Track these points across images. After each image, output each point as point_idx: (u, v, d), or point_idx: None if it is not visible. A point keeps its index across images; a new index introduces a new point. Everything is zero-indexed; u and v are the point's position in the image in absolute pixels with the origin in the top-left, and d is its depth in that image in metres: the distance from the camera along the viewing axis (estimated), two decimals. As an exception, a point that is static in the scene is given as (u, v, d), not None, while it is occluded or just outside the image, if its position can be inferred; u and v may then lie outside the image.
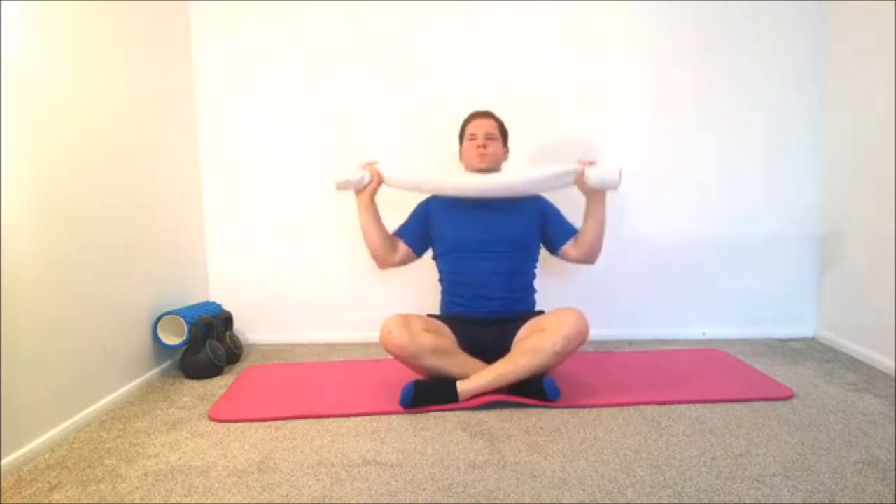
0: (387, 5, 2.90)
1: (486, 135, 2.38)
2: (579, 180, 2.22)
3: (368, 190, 2.32)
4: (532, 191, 2.36)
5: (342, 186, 2.31)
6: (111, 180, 2.24)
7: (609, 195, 2.30)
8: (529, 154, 2.83)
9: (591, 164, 2.22)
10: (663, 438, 1.85)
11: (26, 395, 1.79)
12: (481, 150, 2.36)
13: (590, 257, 2.38)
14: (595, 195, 2.27)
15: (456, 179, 2.35)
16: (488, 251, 2.33)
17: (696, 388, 2.27)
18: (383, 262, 2.44)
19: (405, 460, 1.74)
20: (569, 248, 2.39)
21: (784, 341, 2.93)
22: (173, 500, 1.55)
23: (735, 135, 2.92)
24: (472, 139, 2.40)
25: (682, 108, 2.92)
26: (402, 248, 2.43)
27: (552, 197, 2.46)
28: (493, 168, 2.40)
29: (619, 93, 2.92)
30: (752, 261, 2.97)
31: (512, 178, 2.31)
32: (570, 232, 2.40)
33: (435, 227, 2.43)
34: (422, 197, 2.49)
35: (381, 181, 2.34)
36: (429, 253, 2.50)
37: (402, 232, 2.45)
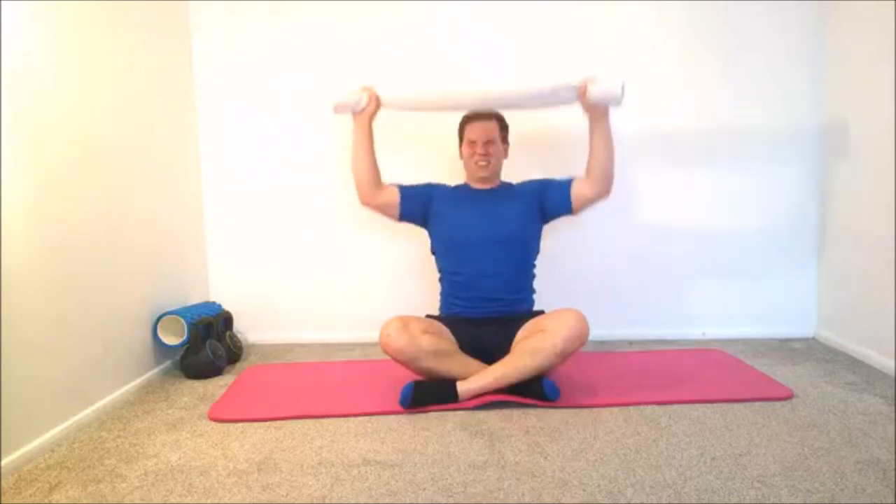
0: (388, 2, 2.90)
1: (486, 141, 2.36)
2: (581, 95, 2.19)
3: (367, 113, 2.32)
4: (531, 104, 2.31)
5: (339, 109, 2.30)
6: (111, 180, 2.24)
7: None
8: (532, 153, 2.82)
9: (593, 80, 2.18)
10: (663, 438, 1.85)
11: (26, 395, 1.79)
12: (481, 158, 2.36)
13: (604, 184, 2.31)
14: (597, 112, 2.23)
15: (452, 91, 2.34)
16: (487, 250, 2.32)
17: (696, 388, 2.27)
18: (365, 194, 2.41)
19: (405, 460, 1.74)
20: (578, 186, 2.34)
21: (784, 341, 2.93)
22: (173, 500, 1.55)
23: (735, 134, 2.92)
24: (471, 146, 2.39)
25: (682, 108, 2.92)
26: (391, 192, 2.41)
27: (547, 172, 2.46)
28: (495, 173, 2.41)
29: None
30: (752, 261, 2.97)
31: (511, 89, 2.28)
32: (569, 180, 2.37)
33: (433, 214, 2.42)
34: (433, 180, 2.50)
35: (379, 104, 2.33)
36: (429, 250, 2.50)
37: (403, 187, 2.44)
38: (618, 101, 2.17)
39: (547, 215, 2.42)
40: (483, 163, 2.36)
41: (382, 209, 2.44)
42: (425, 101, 2.39)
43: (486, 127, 2.37)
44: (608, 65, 2.89)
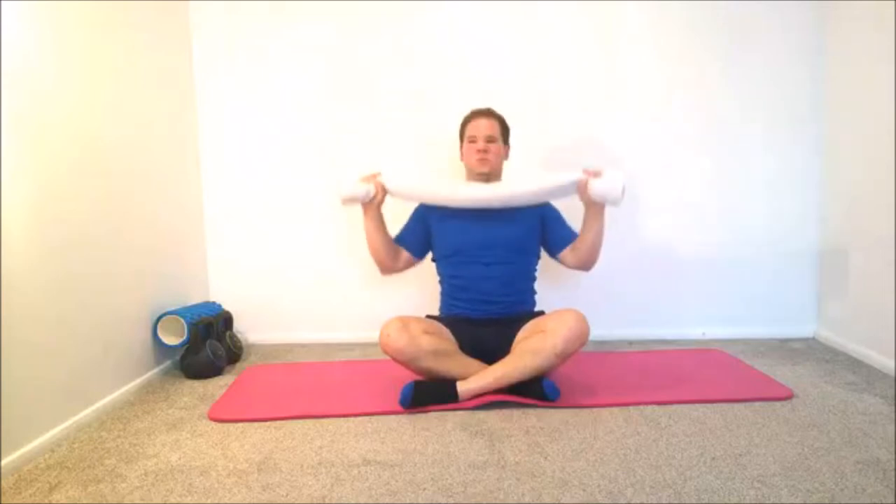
0: (388, 2, 2.90)
1: (487, 138, 2.36)
2: (581, 190, 2.20)
3: (375, 203, 2.31)
4: (534, 201, 2.33)
5: (349, 201, 2.30)
6: (111, 180, 2.24)
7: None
8: (532, 153, 2.82)
9: (596, 174, 2.18)
10: (663, 438, 1.85)
11: (26, 396, 1.79)
12: (482, 154, 2.35)
13: (586, 266, 2.37)
14: (595, 206, 2.24)
15: (458, 190, 2.33)
16: (488, 255, 2.32)
17: (696, 388, 2.27)
18: (386, 269, 2.44)
19: (405, 460, 1.74)
20: (566, 254, 2.37)
21: (784, 341, 2.93)
22: (173, 500, 1.55)
23: (736, 135, 2.92)
24: (471, 142, 2.39)
25: (683, 110, 2.92)
26: (404, 255, 2.43)
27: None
28: (495, 172, 2.39)
29: (623, 93, 2.92)
30: (752, 261, 2.97)
31: (515, 189, 2.28)
32: (569, 238, 2.38)
33: (433, 229, 2.42)
34: None
35: (385, 193, 2.32)
36: (429, 255, 2.50)
37: (403, 238, 2.44)
38: (616, 202, 2.17)
39: (540, 240, 2.44)
40: (483, 158, 2.35)
41: (405, 269, 2.48)
42: (430, 194, 2.37)
43: (487, 124, 2.37)
44: (608, 64, 2.89)
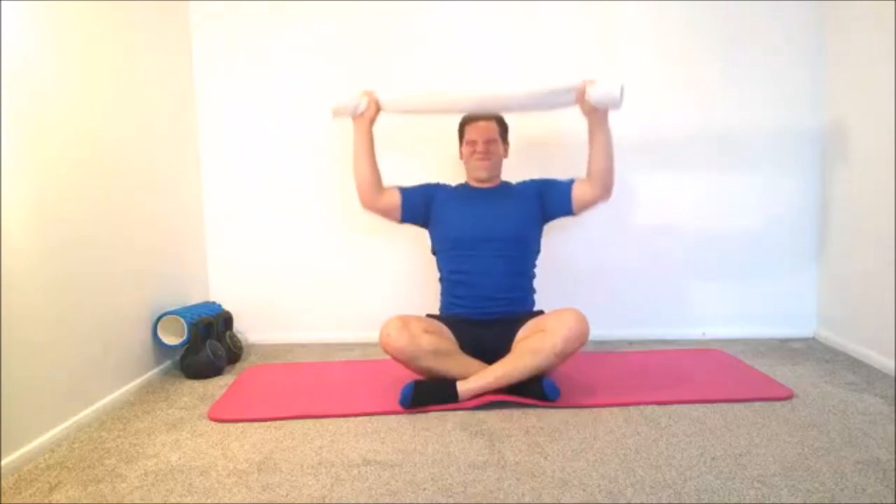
0: (388, 2, 2.90)
1: (486, 141, 2.37)
2: (580, 98, 2.19)
3: (366, 117, 2.32)
4: (530, 107, 2.31)
5: (339, 113, 2.30)
6: (111, 180, 2.24)
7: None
8: (532, 153, 2.82)
9: (592, 82, 2.18)
10: (663, 438, 1.85)
11: (26, 396, 1.79)
12: (481, 157, 2.36)
13: (604, 186, 2.31)
14: (596, 115, 2.22)
15: (450, 95, 2.34)
16: (487, 248, 2.32)
17: (696, 388, 2.27)
18: (367, 198, 2.42)
19: (405, 460, 1.74)
20: (580, 187, 2.34)
21: (784, 341, 2.93)
22: (173, 500, 1.55)
23: (735, 134, 2.92)
24: (471, 145, 2.39)
25: (682, 108, 2.92)
26: (393, 196, 2.42)
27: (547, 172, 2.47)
28: (495, 173, 2.41)
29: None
30: (752, 261, 2.97)
31: (510, 92, 2.27)
32: (570, 182, 2.37)
33: (434, 214, 2.43)
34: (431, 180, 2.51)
35: (378, 108, 2.33)
36: (429, 250, 2.50)
37: (404, 189, 2.44)
38: (616, 104, 2.16)
39: (547, 215, 2.43)
40: (483, 161, 2.36)
41: (384, 213, 2.45)
42: (424, 104, 2.40)
43: (485, 127, 2.38)
44: (608, 64, 2.89)
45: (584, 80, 2.20)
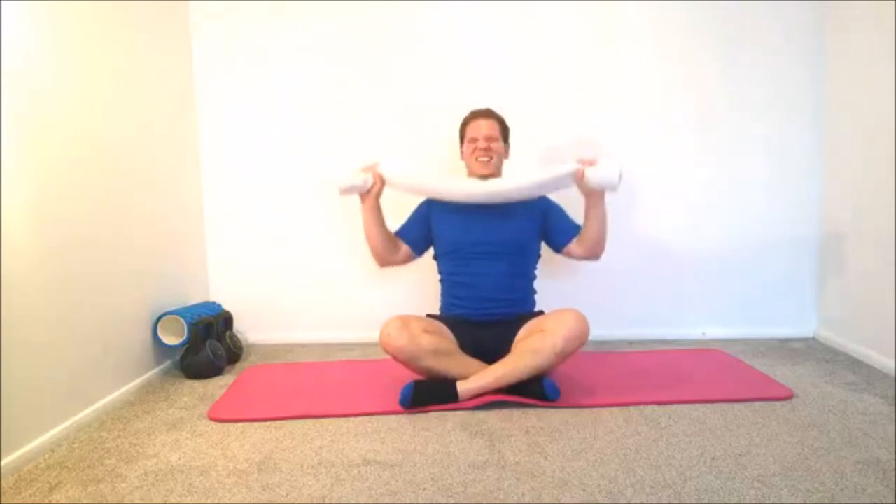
0: (388, 2, 2.90)
1: (487, 138, 2.36)
2: (578, 180, 2.21)
3: (373, 193, 2.32)
4: (532, 195, 2.34)
5: (347, 191, 2.30)
6: (111, 180, 2.24)
7: (611, 197, 2.29)
8: (532, 152, 2.82)
9: (592, 163, 2.19)
10: (663, 438, 1.85)
11: (26, 396, 1.79)
12: (482, 154, 2.36)
13: (594, 255, 2.36)
14: (594, 195, 2.25)
15: (456, 185, 2.34)
16: (488, 252, 2.32)
17: (696, 388, 2.27)
18: (384, 261, 2.44)
19: (405, 460, 1.74)
20: (572, 246, 2.37)
21: (784, 341, 2.93)
22: (173, 500, 1.55)
23: (736, 135, 2.92)
24: (472, 142, 2.39)
25: (682, 109, 2.92)
26: (404, 248, 2.44)
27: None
28: (496, 172, 2.40)
29: (622, 93, 2.91)
30: (752, 261, 2.97)
31: (512, 184, 2.28)
32: (572, 230, 2.38)
33: (434, 227, 2.43)
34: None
35: (384, 183, 2.33)
36: (429, 252, 2.50)
37: (403, 232, 2.45)
38: (614, 188, 2.17)
39: (541, 236, 2.44)
40: (485, 159, 2.36)
41: (403, 263, 2.48)
42: (428, 187, 2.38)
43: (487, 125, 2.38)
44: (608, 65, 2.90)
45: (584, 161, 2.20)
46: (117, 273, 2.27)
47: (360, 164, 2.34)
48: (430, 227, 2.44)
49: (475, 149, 2.37)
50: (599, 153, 2.27)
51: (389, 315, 2.17)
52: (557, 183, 2.25)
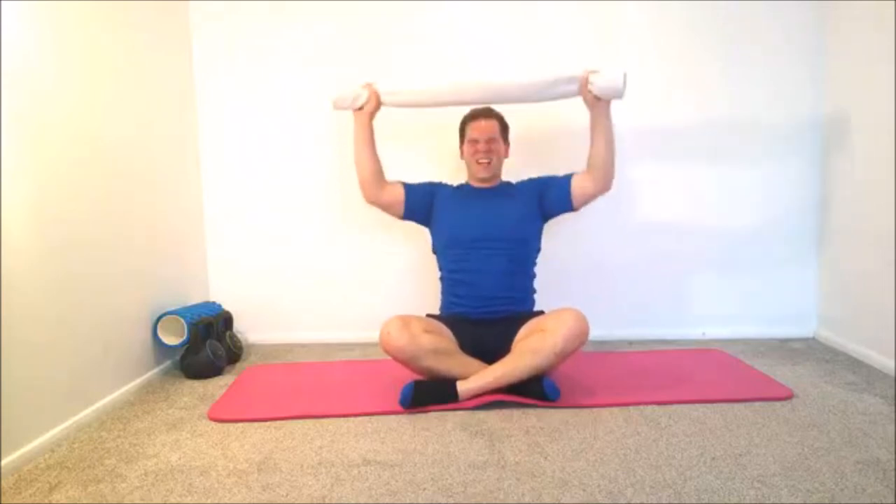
0: (388, 2, 2.90)
1: (488, 139, 2.37)
2: (583, 88, 2.19)
3: (367, 110, 2.32)
4: (533, 97, 2.30)
5: (339, 104, 2.30)
6: (111, 180, 2.24)
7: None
8: (532, 152, 2.82)
9: (595, 72, 2.17)
10: (663, 438, 1.85)
11: (26, 396, 1.79)
12: (483, 156, 2.36)
13: (605, 178, 2.30)
14: (598, 105, 2.22)
15: (453, 86, 2.33)
16: (487, 247, 2.32)
17: (696, 388, 2.27)
18: (369, 191, 2.42)
19: (405, 460, 1.74)
20: (579, 181, 2.33)
21: (784, 341, 2.93)
22: (173, 500, 1.55)
23: (735, 134, 2.92)
24: (473, 143, 2.39)
25: (682, 107, 2.92)
26: (396, 189, 2.42)
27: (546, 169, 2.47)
28: (496, 173, 2.41)
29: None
30: (751, 261, 2.97)
31: (512, 82, 2.26)
32: (568, 177, 2.37)
33: (436, 212, 2.43)
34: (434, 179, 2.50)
35: (379, 102, 2.33)
36: (429, 250, 2.50)
37: (407, 185, 2.45)
38: (620, 94, 2.15)
39: (547, 213, 2.42)
40: (485, 160, 2.36)
41: (387, 206, 2.45)
42: (425, 97, 2.38)
43: (487, 126, 2.38)
44: (608, 64, 2.89)
45: (587, 69, 2.19)
46: (117, 273, 2.27)
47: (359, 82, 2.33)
48: (432, 205, 2.43)
49: (476, 151, 2.37)
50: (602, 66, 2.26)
51: (389, 315, 2.17)
52: (560, 86, 2.21)
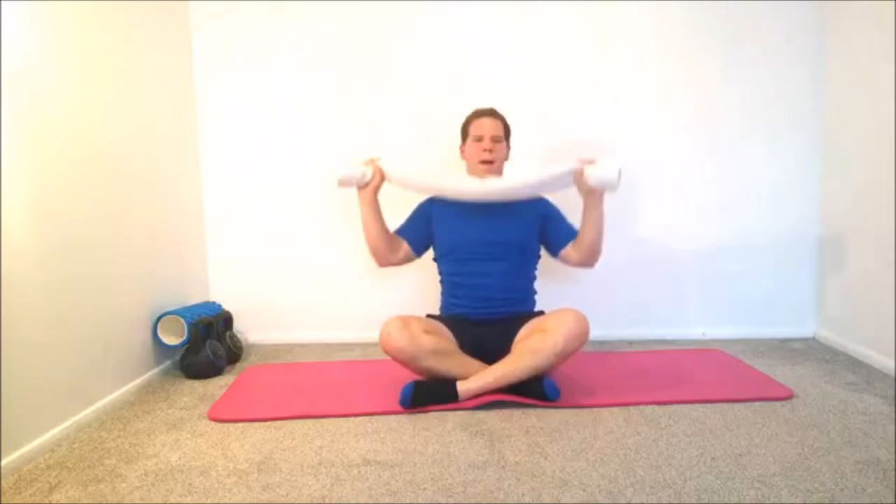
0: (388, 2, 2.90)
1: (492, 138, 2.36)
2: (578, 179, 2.20)
3: (371, 187, 2.30)
4: (532, 193, 2.34)
5: (345, 183, 2.29)
6: (111, 180, 2.24)
7: (610, 195, 2.29)
8: (532, 153, 2.82)
9: (591, 162, 2.18)
10: (663, 438, 1.85)
11: (26, 396, 1.79)
12: (486, 155, 2.35)
13: (589, 260, 2.35)
14: (593, 195, 2.23)
15: (456, 183, 2.33)
16: (488, 253, 2.32)
17: (696, 388, 2.27)
18: (383, 260, 2.42)
19: (405, 460, 1.74)
20: (568, 251, 2.36)
21: (784, 341, 2.93)
22: (173, 500, 1.55)
23: (736, 135, 2.92)
24: (477, 141, 2.38)
25: (683, 109, 2.92)
26: (403, 247, 2.43)
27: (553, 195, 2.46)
28: (498, 173, 2.40)
29: (622, 93, 2.92)
30: (751, 261, 2.97)
31: (512, 182, 2.28)
32: (570, 235, 2.37)
33: (435, 227, 2.43)
34: (422, 196, 2.48)
35: (383, 178, 2.32)
36: (429, 253, 2.50)
37: (403, 231, 2.44)
38: (614, 187, 2.15)
39: (539, 240, 2.43)
40: (489, 157, 2.35)
41: (400, 263, 2.45)
42: (429, 185, 2.37)
43: (493, 125, 2.38)
44: (608, 64, 2.90)
45: (583, 160, 2.19)
46: (117, 273, 2.27)
47: (361, 157, 2.31)
48: (432, 226, 2.43)
49: (480, 148, 2.37)
50: (600, 151, 2.26)
51: (389, 315, 2.17)
52: (558, 181, 2.24)
